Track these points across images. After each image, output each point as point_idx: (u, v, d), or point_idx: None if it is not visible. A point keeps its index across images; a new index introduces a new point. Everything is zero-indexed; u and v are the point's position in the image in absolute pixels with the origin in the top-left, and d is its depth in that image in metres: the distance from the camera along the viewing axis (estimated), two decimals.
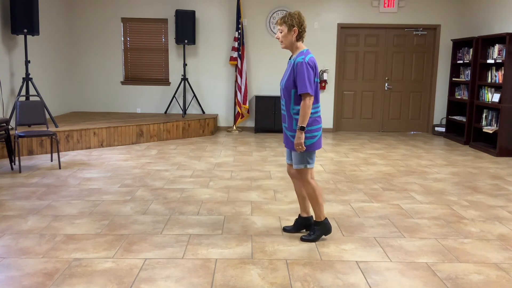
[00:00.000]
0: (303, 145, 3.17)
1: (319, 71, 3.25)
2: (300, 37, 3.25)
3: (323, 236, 3.46)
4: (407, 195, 4.69)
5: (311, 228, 3.45)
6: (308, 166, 3.29)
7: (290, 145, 3.31)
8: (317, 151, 7.00)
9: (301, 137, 3.15)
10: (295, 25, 3.20)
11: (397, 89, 9.23)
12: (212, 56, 9.00)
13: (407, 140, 8.25)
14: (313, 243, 3.35)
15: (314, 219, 3.45)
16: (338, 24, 8.91)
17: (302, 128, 3.14)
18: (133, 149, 6.97)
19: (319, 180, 5.24)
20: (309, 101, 3.12)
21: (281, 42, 3.27)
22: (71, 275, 2.80)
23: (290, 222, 3.80)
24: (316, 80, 3.21)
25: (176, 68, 9.05)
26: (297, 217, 3.55)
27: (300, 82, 3.12)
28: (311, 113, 3.22)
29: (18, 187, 4.75)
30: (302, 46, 3.27)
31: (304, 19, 3.27)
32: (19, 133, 5.42)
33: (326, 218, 3.42)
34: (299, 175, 3.33)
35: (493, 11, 7.73)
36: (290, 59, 3.30)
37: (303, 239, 3.38)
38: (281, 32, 3.24)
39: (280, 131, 9.07)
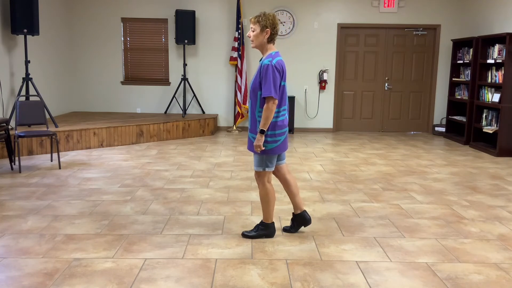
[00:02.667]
0: (262, 147, 3.14)
1: (284, 75, 3.21)
2: (271, 39, 3.21)
3: (266, 238, 3.45)
4: (407, 195, 4.68)
5: (257, 226, 3.46)
6: (267, 169, 3.28)
7: (251, 148, 3.26)
8: (317, 151, 7.00)
9: (260, 139, 3.12)
10: (268, 26, 3.17)
11: (397, 89, 9.23)
12: (212, 56, 9.00)
13: (407, 140, 8.26)
14: (313, 244, 3.35)
15: (262, 219, 3.49)
16: (338, 24, 8.91)
17: (262, 132, 3.11)
18: (133, 149, 6.97)
19: (319, 180, 5.24)
20: (273, 105, 3.08)
21: (252, 41, 3.23)
22: (71, 275, 2.80)
23: (290, 222, 3.80)
24: (282, 83, 3.17)
25: (176, 68, 9.05)
26: (292, 216, 3.56)
27: (265, 85, 3.08)
28: (275, 117, 3.19)
29: (18, 187, 4.75)
30: (272, 48, 3.24)
31: (278, 22, 3.24)
32: (19, 133, 5.42)
33: (273, 223, 3.44)
34: (257, 177, 3.32)
35: (493, 11, 7.73)
36: (260, 60, 3.27)
37: (244, 235, 3.42)
38: (253, 31, 3.20)
39: None
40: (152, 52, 9.06)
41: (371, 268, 2.96)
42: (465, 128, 7.72)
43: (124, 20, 8.96)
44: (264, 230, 3.43)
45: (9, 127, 6.54)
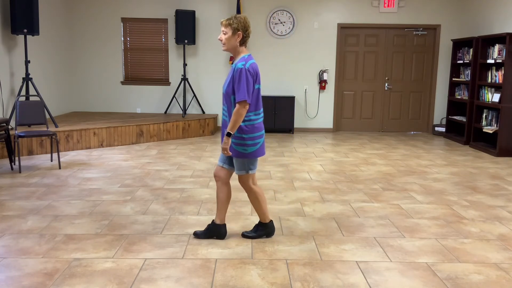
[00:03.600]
0: (229, 151, 3.11)
1: (258, 78, 3.18)
2: (243, 42, 3.18)
3: (265, 237, 3.46)
4: (407, 195, 4.68)
5: (256, 226, 3.45)
6: (250, 172, 3.25)
7: (235, 153, 3.21)
8: (317, 151, 7.00)
9: (227, 142, 3.08)
10: (240, 29, 3.13)
11: (397, 89, 9.23)
12: (212, 56, 9.00)
13: (407, 140, 8.25)
14: (313, 244, 3.35)
15: (260, 220, 3.46)
16: (338, 24, 8.91)
17: (229, 134, 3.08)
18: (133, 149, 6.97)
19: (319, 180, 5.24)
20: (244, 109, 3.05)
21: (224, 44, 3.18)
22: (71, 275, 2.80)
23: (290, 222, 3.80)
24: (257, 86, 3.15)
25: (176, 68, 9.05)
26: (210, 223, 3.47)
27: (238, 90, 3.05)
28: (253, 120, 3.16)
29: (18, 187, 4.75)
30: (245, 51, 3.20)
31: (250, 25, 3.20)
32: (19, 133, 5.42)
33: (271, 221, 3.45)
34: (241, 181, 3.29)
35: (493, 11, 7.73)
36: (232, 63, 3.24)
37: (244, 235, 3.42)
38: (224, 34, 3.16)
39: (280, 131, 9.07)
40: (152, 52, 9.06)
41: (371, 268, 2.96)
42: (465, 128, 7.72)
43: (124, 20, 8.96)
44: (264, 230, 3.44)
45: (9, 127, 6.54)
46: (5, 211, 4.00)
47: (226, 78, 3.22)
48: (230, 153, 3.15)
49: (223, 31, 3.17)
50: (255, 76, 3.13)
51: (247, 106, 3.08)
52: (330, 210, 4.14)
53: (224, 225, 3.42)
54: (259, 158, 6.38)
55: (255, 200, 3.35)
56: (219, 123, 9.24)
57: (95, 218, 3.85)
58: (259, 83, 3.20)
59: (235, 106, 3.13)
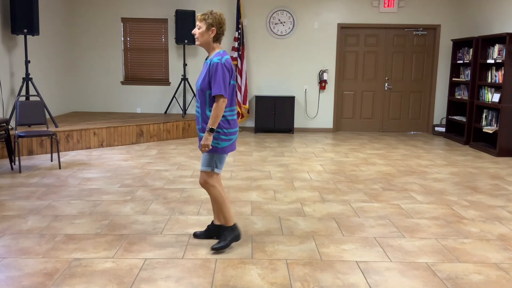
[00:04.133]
0: (210, 147, 3.06)
1: (233, 74, 3.16)
2: (217, 38, 3.17)
3: (234, 243, 3.34)
4: (407, 195, 4.68)
5: (221, 235, 3.27)
6: (215, 170, 3.17)
7: (212, 149, 3.17)
8: (317, 151, 7.00)
9: (209, 138, 3.04)
10: (214, 25, 3.12)
11: (397, 89, 9.23)
12: None
13: (407, 140, 8.25)
14: (313, 244, 3.35)
15: (223, 225, 3.29)
16: (338, 24, 8.91)
17: (211, 130, 3.04)
18: (133, 149, 6.97)
19: (319, 180, 5.24)
20: (223, 103, 3.03)
21: (197, 39, 3.17)
22: (71, 275, 2.80)
23: (290, 222, 3.80)
24: (232, 82, 3.14)
25: (176, 68, 9.05)
26: (210, 223, 3.44)
27: (215, 84, 3.03)
28: (228, 115, 3.14)
29: (18, 187, 4.75)
30: (219, 47, 3.20)
31: (225, 22, 3.19)
32: (19, 133, 5.42)
33: (235, 224, 3.29)
34: (205, 178, 3.17)
35: (493, 11, 7.73)
36: (206, 59, 3.22)
37: (213, 248, 3.17)
38: (198, 29, 3.14)
39: (280, 131, 9.07)
40: (152, 52, 9.06)
41: (371, 268, 2.96)
42: (465, 128, 7.72)
43: (124, 20, 8.96)
44: (231, 235, 3.25)
45: (9, 127, 6.54)
46: (5, 211, 4.00)
47: (200, 74, 3.19)
48: (211, 147, 3.09)
49: (197, 25, 3.15)
50: (230, 71, 3.11)
51: (226, 100, 3.06)
52: (330, 210, 4.14)
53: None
54: (257, 158, 6.38)
55: (219, 199, 3.22)
56: None
57: (95, 218, 3.85)
58: (234, 79, 3.18)
59: (210, 101, 3.11)
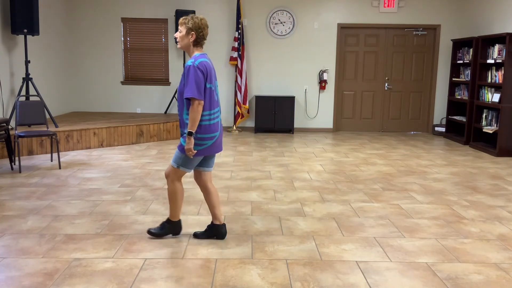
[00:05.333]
0: (193, 151, 3.09)
1: (209, 77, 3.15)
2: (197, 42, 3.20)
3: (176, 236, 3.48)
4: (407, 195, 4.68)
5: (163, 223, 3.43)
6: (182, 168, 3.23)
7: (179, 145, 3.22)
8: (317, 151, 7.00)
9: (190, 142, 3.07)
10: (193, 30, 3.16)
11: (397, 89, 9.23)
12: (212, 56, 9.00)
13: (407, 140, 8.26)
14: (313, 244, 3.35)
15: (168, 217, 3.47)
16: (338, 24, 8.92)
17: (190, 134, 3.06)
18: (133, 149, 6.97)
19: (319, 180, 5.24)
20: (198, 105, 3.04)
21: (178, 42, 3.23)
22: (71, 275, 2.80)
23: (290, 222, 3.80)
24: (208, 85, 3.13)
25: (176, 68, 9.05)
26: (210, 224, 3.49)
27: (187, 86, 3.05)
28: (207, 119, 3.14)
29: (18, 187, 4.75)
30: (200, 50, 3.22)
31: (206, 26, 3.21)
32: (19, 133, 5.42)
33: (179, 220, 3.43)
34: (169, 171, 3.28)
35: (493, 11, 7.73)
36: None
37: (150, 232, 3.40)
38: (180, 32, 3.20)
39: (280, 131, 9.08)
40: (152, 52, 9.06)
41: (371, 268, 2.96)
42: (465, 128, 7.72)
43: (124, 20, 8.96)
44: (170, 228, 3.42)
45: (9, 127, 6.54)
46: (5, 211, 4.00)
47: (181, 78, 3.23)
48: (195, 151, 3.12)
49: (179, 29, 3.22)
50: (205, 74, 3.10)
51: (202, 102, 3.06)
52: (330, 210, 4.14)
53: (223, 224, 3.42)
54: (258, 158, 6.38)
55: (173, 195, 3.31)
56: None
57: (95, 218, 3.85)
58: (212, 83, 3.16)
59: (187, 105, 3.13)
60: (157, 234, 3.41)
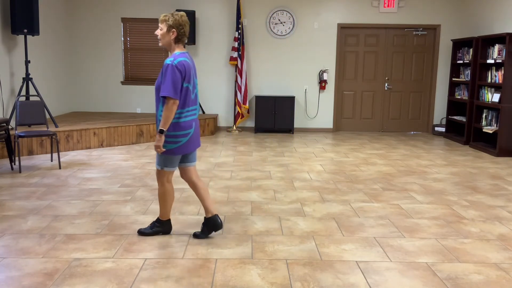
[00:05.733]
0: (162, 148, 3.11)
1: (187, 76, 3.14)
2: (178, 39, 3.20)
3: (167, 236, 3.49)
4: (407, 195, 4.69)
5: (153, 223, 3.47)
6: (166, 169, 3.26)
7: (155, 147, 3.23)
8: (317, 151, 7.00)
9: (160, 140, 3.09)
10: (174, 27, 3.16)
11: (397, 89, 9.23)
12: (212, 56, 9.00)
13: (407, 140, 8.26)
14: (313, 244, 3.35)
15: (158, 216, 3.51)
16: (338, 24, 8.92)
17: (161, 131, 3.07)
18: (133, 149, 6.97)
19: (319, 180, 5.24)
20: (172, 105, 3.05)
21: (159, 40, 3.23)
22: (71, 275, 2.80)
23: (290, 222, 3.80)
24: (186, 85, 3.14)
25: None
26: (204, 220, 3.50)
27: (163, 84, 3.05)
28: (177, 118, 3.15)
29: (18, 187, 4.75)
30: (181, 48, 3.22)
31: (186, 23, 3.21)
32: (19, 133, 5.42)
33: (169, 220, 3.47)
34: (157, 175, 3.32)
35: (493, 11, 7.73)
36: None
37: (140, 232, 3.44)
38: (160, 30, 3.20)
39: (280, 131, 9.08)
40: (152, 52, 9.06)
41: (371, 268, 2.96)
42: (465, 128, 7.72)
43: (124, 20, 8.96)
44: (160, 227, 3.45)
45: (9, 127, 6.54)
46: (5, 211, 4.00)
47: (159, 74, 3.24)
48: (164, 149, 3.15)
49: (159, 26, 3.21)
50: (183, 73, 3.11)
51: (177, 102, 3.07)
52: (330, 210, 4.14)
53: (216, 215, 3.43)
54: (258, 158, 6.38)
55: (162, 196, 3.36)
56: (219, 123, 9.24)
57: (95, 218, 3.85)
58: (189, 82, 3.17)
59: (163, 102, 3.14)
60: (148, 233, 3.44)
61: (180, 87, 3.11)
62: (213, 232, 3.48)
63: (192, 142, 3.27)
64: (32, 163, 5.88)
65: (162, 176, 3.30)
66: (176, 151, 3.20)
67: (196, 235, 3.43)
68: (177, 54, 3.16)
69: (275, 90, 9.10)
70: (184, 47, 3.33)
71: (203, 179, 5.19)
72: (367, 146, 7.55)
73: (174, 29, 3.17)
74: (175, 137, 3.18)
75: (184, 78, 3.12)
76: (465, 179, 5.38)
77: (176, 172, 5.52)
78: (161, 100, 3.14)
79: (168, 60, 3.10)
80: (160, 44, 3.25)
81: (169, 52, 3.27)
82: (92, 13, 8.89)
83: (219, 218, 3.43)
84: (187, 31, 3.23)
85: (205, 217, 3.44)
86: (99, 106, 9.16)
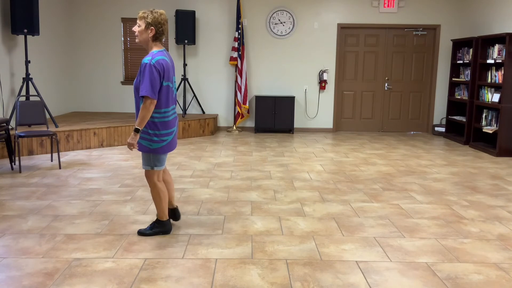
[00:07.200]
0: (135, 146, 3.12)
1: (166, 75, 3.14)
2: (156, 38, 3.18)
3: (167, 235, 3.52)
4: (407, 195, 4.69)
5: (153, 223, 3.48)
6: (155, 168, 3.28)
7: (140, 148, 3.23)
8: (317, 151, 7.01)
9: (134, 138, 3.09)
10: (152, 25, 3.14)
11: (397, 89, 9.23)
12: (212, 56, 9.00)
13: (407, 140, 8.26)
14: (313, 244, 3.35)
15: (157, 217, 3.51)
16: (338, 24, 8.92)
17: (136, 130, 3.08)
18: None
19: (319, 180, 5.24)
20: (150, 104, 3.05)
21: (136, 36, 3.20)
22: (71, 275, 2.80)
23: (290, 222, 3.80)
24: (165, 83, 3.13)
25: (176, 68, 9.05)
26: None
27: (142, 84, 3.05)
28: (162, 117, 3.16)
29: (18, 187, 4.75)
30: (159, 46, 3.20)
31: (165, 22, 3.19)
32: (19, 133, 5.42)
33: (168, 220, 3.49)
34: (147, 176, 3.33)
35: (493, 11, 7.73)
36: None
37: (140, 232, 3.45)
38: (138, 27, 3.17)
39: (280, 131, 9.08)
40: None
41: (371, 268, 2.96)
42: (465, 128, 7.72)
43: (124, 20, 8.96)
44: (160, 228, 3.46)
45: (9, 127, 6.54)
46: (5, 211, 4.00)
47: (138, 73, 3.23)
48: (137, 147, 3.16)
49: (137, 23, 3.19)
50: (162, 72, 3.09)
51: (154, 101, 3.07)
52: (330, 210, 4.15)
53: (168, 220, 3.52)
54: (258, 158, 6.38)
55: (157, 197, 3.38)
56: (219, 123, 9.24)
57: (95, 218, 3.85)
58: (169, 80, 3.16)
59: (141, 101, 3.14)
60: (147, 234, 3.45)
61: (159, 86, 3.10)
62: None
63: (174, 141, 3.33)
64: (32, 163, 5.88)
65: (152, 176, 3.31)
66: (163, 150, 3.23)
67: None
68: (155, 53, 3.13)
69: (275, 90, 9.10)
70: (162, 45, 3.32)
71: (203, 179, 5.19)
72: (367, 146, 7.56)
73: (152, 27, 3.15)
74: (161, 136, 3.20)
75: (163, 77, 3.11)
76: (465, 179, 5.38)
77: (175, 172, 5.52)
78: (141, 99, 3.14)
79: (146, 59, 3.08)
80: (137, 40, 3.21)
81: (146, 50, 3.23)
82: (92, 13, 8.89)
83: (178, 211, 3.63)
84: (166, 30, 3.21)
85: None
86: (99, 106, 9.16)
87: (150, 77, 3.04)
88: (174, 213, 3.64)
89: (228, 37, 8.94)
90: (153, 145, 3.19)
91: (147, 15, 3.14)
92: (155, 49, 3.19)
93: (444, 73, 9.07)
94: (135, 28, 3.19)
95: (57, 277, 2.78)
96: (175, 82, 3.32)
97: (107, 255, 3.11)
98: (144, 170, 3.36)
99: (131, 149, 3.16)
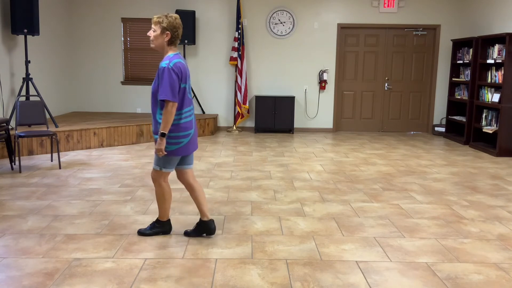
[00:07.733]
0: (164, 151, 3.11)
1: (183, 77, 3.14)
2: (172, 42, 3.18)
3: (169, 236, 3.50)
4: (407, 195, 4.69)
5: (153, 223, 3.47)
6: (164, 169, 3.26)
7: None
8: (317, 151, 7.01)
9: (161, 143, 3.09)
10: (168, 29, 3.13)
11: (397, 89, 9.23)
12: (212, 56, 9.00)
13: (407, 140, 8.26)
14: (313, 244, 3.35)
15: (157, 217, 3.51)
16: (338, 24, 8.92)
17: (162, 135, 3.07)
18: (133, 149, 6.97)
19: (319, 180, 5.24)
20: (172, 107, 3.04)
21: (152, 41, 3.19)
22: (71, 275, 2.80)
23: (290, 222, 3.80)
24: (183, 85, 3.13)
25: None
26: (198, 221, 3.50)
27: (161, 88, 3.04)
28: (178, 119, 3.15)
29: (18, 187, 4.75)
30: (174, 50, 3.20)
31: (180, 26, 3.19)
32: (19, 133, 5.42)
33: (168, 220, 3.47)
34: (154, 175, 3.31)
35: (493, 11, 7.73)
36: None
37: (140, 232, 3.45)
38: (154, 31, 3.16)
39: (280, 131, 9.08)
40: (152, 52, 9.05)
41: (371, 268, 2.96)
42: (465, 128, 7.72)
43: (124, 20, 8.96)
44: (160, 228, 3.46)
45: (10, 127, 6.54)
46: (5, 211, 4.00)
47: (155, 77, 3.23)
48: (166, 153, 3.16)
49: (152, 28, 3.18)
50: (180, 75, 3.10)
51: (176, 104, 3.07)
52: (330, 210, 4.15)
53: (211, 220, 3.44)
54: (258, 158, 6.38)
55: (161, 197, 3.37)
56: (219, 123, 9.24)
57: (95, 218, 3.85)
58: (186, 82, 3.17)
59: (161, 105, 3.13)
60: (147, 234, 3.44)
61: (178, 89, 3.10)
62: (204, 235, 3.47)
63: (192, 143, 3.28)
64: (32, 163, 5.88)
65: (159, 176, 3.30)
66: (177, 152, 3.20)
67: (187, 233, 3.45)
68: (171, 56, 3.14)
69: (275, 90, 9.10)
70: (177, 48, 3.32)
71: (203, 179, 5.19)
72: (367, 146, 7.56)
73: (168, 31, 3.14)
74: (177, 138, 3.18)
75: (180, 79, 3.12)
76: (465, 179, 5.38)
77: (174, 172, 5.52)
78: (159, 103, 3.14)
79: (163, 63, 3.08)
80: (152, 45, 3.21)
81: (161, 54, 3.24)
82: (92, 13, 8.89)
83: (214, 224, 3.44)
84: (180, 34, 3.22)
85: (200, 219, 3.44)
86: (99, 106, 9.16)
87: (169, 81, 3.04)
88: (209, 226, 3.42)
89: (228, 37, 8.94)
90: (168, 147, 3.17)
91: (163, 20, 3.13)
92: (171, 53, 3.19)
93: (444, 73, 9.07)
94: (150, 33, 3.19)
95: (57, 277, 2.78)
96: (190, 85, 3.32)
97: (107, 255, 3.11)
98: (153, 169, 3.32)
99: (159, 155, 3.13)
